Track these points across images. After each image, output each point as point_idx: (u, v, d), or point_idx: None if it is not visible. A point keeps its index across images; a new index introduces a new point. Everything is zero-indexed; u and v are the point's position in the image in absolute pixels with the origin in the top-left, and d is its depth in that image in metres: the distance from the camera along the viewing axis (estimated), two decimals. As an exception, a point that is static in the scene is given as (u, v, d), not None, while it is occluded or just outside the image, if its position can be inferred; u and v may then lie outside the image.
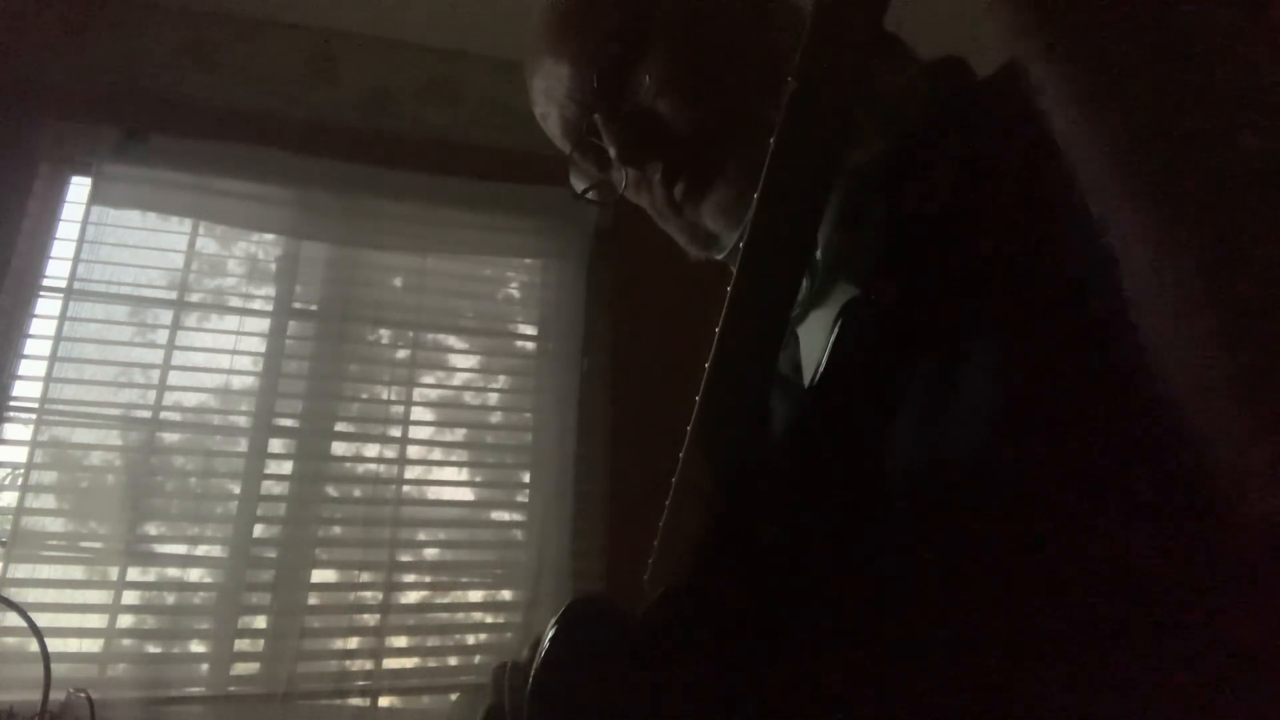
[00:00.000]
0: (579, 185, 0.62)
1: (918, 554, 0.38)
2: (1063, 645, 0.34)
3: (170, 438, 1.76)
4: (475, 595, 1.91)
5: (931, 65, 0.52)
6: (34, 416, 1.66)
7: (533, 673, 0.42)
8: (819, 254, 0.47)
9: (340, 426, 1.86)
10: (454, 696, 1.71)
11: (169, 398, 1.76)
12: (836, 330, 0.44)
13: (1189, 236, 0.28)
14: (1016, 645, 0.35)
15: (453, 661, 1.79)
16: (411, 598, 1.82)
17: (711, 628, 0.42)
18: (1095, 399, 0.33)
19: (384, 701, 1.71)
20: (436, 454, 1.97)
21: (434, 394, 1.99)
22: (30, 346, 1.71)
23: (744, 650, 0.40)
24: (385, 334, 1.98)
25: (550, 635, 0.43)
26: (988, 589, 0.36)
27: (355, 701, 1.68)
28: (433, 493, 1.92)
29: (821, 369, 0.44)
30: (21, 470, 1.64)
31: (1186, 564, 0.32)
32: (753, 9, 0.50)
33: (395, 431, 1.88)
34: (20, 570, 1.58)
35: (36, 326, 1.72)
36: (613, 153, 0.54)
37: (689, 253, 0.59)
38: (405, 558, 1.81)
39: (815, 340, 0.47)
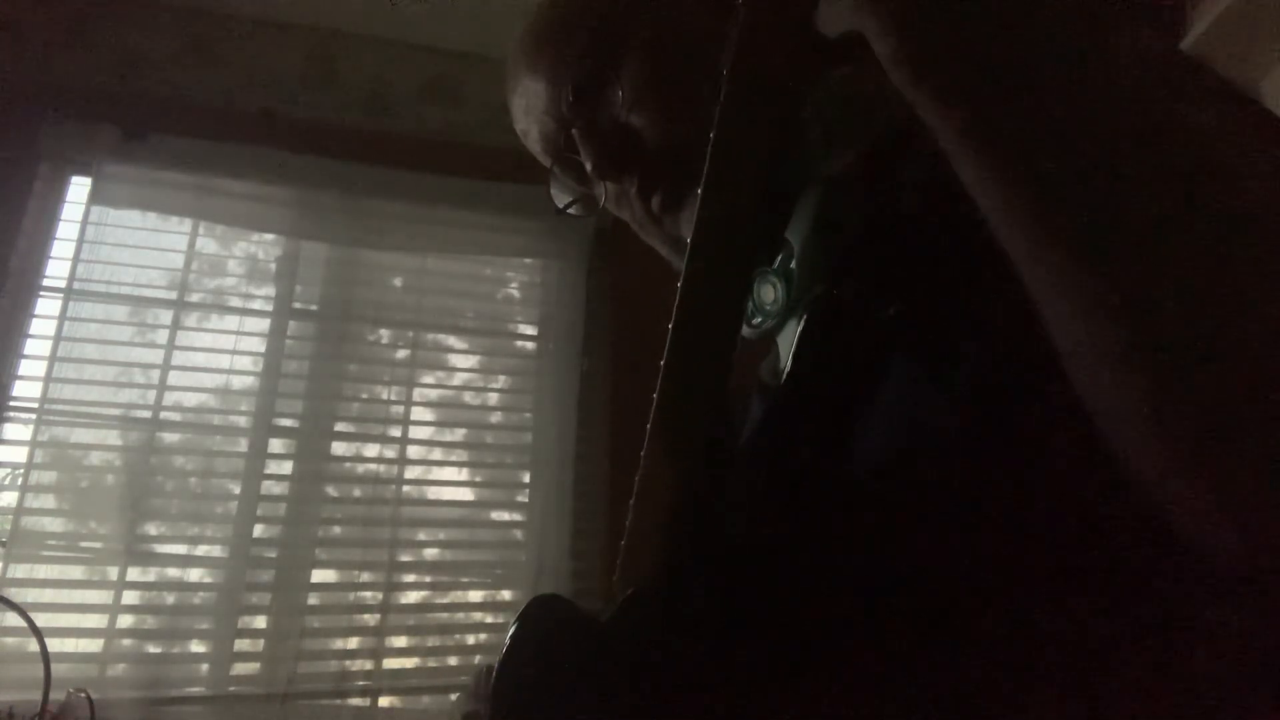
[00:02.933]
0: (561, 200, 0.62)
1: (885, 551, 0.38)
2: (1035, 643, 0.34)
3: (170, 438, 1.76)
4: (475, 595, 1.91)
5: None
6: (34, 416, 1.67)
7: (495, 670, 0.42)
8: (795, 262, 0.47)
9: (340, 426, 1.86)
10: (454, 696, 1.71)
11: (169, 398, 1.76)
12: (800, 327, 0.44)
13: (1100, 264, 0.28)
14: (986, 643, 0.35)
15: (453, 661, 1.79)
16: (411, 598, 1.82)
17: (678, 629, 0.42)
18: (1062, 396, 0.33)
19: (384, 701, 1.71)
20: (436, 454, 1.97)
21: (434, 394, 1.99)
22: (30, 346, 1.72)
23: (710, 650, 0.40)
24: (385, 334, 1.99)
25: (511, 634, 0.43)
26: (955, 584, 0.36)
27: (355, 701, 1.68)
28: (433, 493, 1.92)
29: (787, 368, 0.44)
30: (21, 470, 1.64)
31: (1155, 562, 0.32)
32: (723, 22, 0.50)
33: (395, 431, 1.89)
34: (20, 570, 1.58)
35: (36, 326, 1.73)
36: (589, 167, 0.55)
37: (672, 263, 0.59)
38: (405, 558, 1.81)
39: (789, 345, 0.47)
